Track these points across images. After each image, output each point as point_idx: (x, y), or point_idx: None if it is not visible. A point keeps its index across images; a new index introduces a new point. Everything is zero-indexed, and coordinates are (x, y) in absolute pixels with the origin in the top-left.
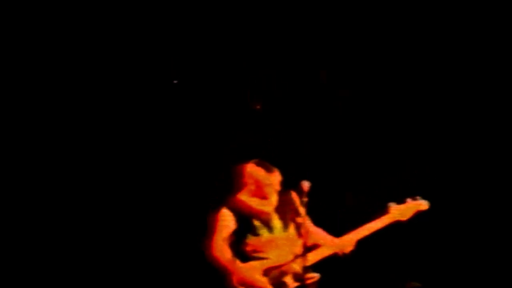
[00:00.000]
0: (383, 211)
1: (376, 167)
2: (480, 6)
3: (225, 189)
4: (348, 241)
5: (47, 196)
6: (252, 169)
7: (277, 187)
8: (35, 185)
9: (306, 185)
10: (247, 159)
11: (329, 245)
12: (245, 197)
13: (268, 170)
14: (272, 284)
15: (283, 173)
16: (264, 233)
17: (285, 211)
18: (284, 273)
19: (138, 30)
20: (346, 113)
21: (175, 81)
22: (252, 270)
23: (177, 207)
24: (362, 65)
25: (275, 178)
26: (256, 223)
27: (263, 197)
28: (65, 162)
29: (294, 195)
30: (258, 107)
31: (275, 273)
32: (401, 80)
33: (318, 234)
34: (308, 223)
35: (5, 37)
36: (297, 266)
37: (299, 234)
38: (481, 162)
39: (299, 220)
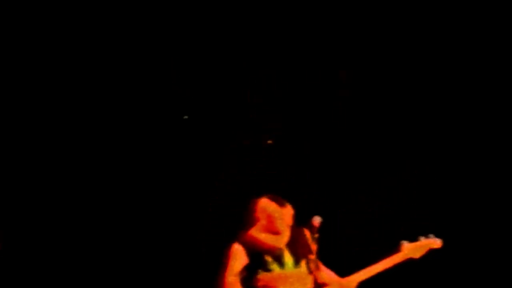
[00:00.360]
0: (396, 249)
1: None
2: (480, 6)
3: (237, 224)
4: (356, 280)
5: (46, 196)
6: (265, 204)
7: (290, 221)
8: (32, 185)
9: (317, 220)
10: (260, 194)
11: (336, 284)
12: (257, 232)
13: (281, 204)
14: None
15: (294, 205)
16: (275, 268)
17: (297, 246)
18: None
19: (137, 28)
20: (346, 113)
21: (185, 117)
22: None
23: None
24: (361, 65)
25: (288, 212)
26: (268, 258)
27: (275, 232)
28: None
29: (306, 230)
30: (270, 142)
31: None
32: (402, 81)
33: (324, 273)
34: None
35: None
36: None
37: (310, 271)
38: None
39: (311, 256)
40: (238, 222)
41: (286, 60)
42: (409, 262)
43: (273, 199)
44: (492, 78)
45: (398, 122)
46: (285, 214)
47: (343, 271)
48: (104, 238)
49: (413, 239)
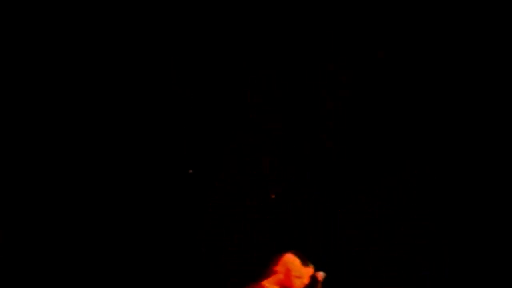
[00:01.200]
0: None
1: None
2: (480, 6)
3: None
4: None
5: (46, 195)
6: (288, 259)
7: (306, 281)
8: (30, 184)
9: (320, 275)
10: (286, 250)
11: None
12: (270, 284)
13: (304, 263)
14: None
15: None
16: None
17: None
18: None
19: (137, 28)
20: (346, 113)
21: (190, 171)
22: None
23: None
24: (361, 65)
25: (307, 272)
26: None
27: None
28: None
29: None
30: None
31: None
32: (402, 81)
33: None
34: None
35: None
36: None
37: None
38: None
39: None
40: (238, 223)
41: (286, 60)
42: (408, 262)
43: (297, 256)
44: (492, 78)
45: (398, 122)
46: (304, 274)
47: (343, 271)
48: (105, 238)
49: (413, 239)
